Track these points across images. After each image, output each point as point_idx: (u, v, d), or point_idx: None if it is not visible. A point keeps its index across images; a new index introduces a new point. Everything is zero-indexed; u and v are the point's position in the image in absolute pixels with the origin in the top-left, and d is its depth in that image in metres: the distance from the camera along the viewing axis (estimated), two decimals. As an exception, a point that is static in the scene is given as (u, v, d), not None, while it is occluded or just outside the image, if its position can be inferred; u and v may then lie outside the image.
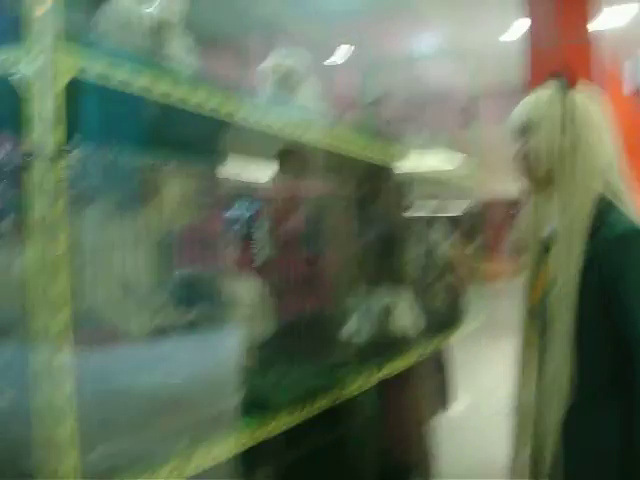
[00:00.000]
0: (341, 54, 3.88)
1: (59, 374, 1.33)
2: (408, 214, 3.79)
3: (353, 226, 3.70)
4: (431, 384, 3.45)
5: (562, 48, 4.27)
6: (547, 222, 1.75)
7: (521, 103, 1.74)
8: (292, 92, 2.53)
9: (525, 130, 1.70)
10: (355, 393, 2.58)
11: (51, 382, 1.33)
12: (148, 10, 1.83)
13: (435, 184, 4.70)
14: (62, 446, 1.32)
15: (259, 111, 2.06)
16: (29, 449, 1.33)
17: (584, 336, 1.58)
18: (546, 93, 1.71)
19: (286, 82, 2.57)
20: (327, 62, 3.87)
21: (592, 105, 1.68)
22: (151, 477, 1.52)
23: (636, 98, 6.06)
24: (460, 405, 3.97)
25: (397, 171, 3.77)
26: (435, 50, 4.81)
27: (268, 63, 2.67)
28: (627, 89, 5.81)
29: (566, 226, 1.61)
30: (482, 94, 5.07)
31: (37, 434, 1.33)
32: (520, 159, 1.74)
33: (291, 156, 3.01)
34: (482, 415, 4.86)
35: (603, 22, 4.40)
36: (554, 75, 1.71)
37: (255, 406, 1.91)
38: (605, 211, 1.60)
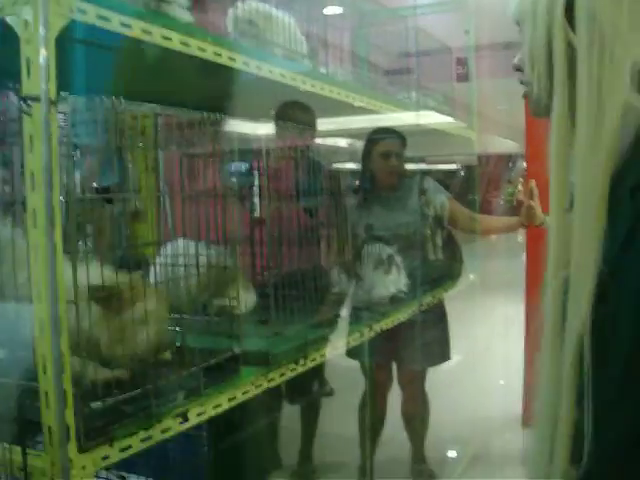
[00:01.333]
0: (338, 4, 3.81)
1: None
2: (405, 167, 3.78)
3: (349, 180, 3.69)
4: (433, 334, 3.48)
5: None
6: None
7: None
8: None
9: (520, 25, 1.15)
10: (350, 346, 2.61)
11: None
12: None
13: (432, 137, 4.67)
14: (58, 399, 1.32)
15: (259, 59, 2.02)
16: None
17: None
18: None
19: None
20: (325, 11, 3.78)
21: None
22: (150, 428, 1.53)
23: None
24: (453, 358, 4.01)
25: (393, 124, 3.76)
26: (432, 1, 4.75)
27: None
28: None
29: (580, 178, 1.02)
30: (480, 47, 5.00)
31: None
32: (517, 70, 1.20)
33: (289, 109, 2.99)
34: (475, 369, 4.90)
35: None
36: None
37: (256, 357, 1.92)
38: None
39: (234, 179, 2.88)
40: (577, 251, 1.02)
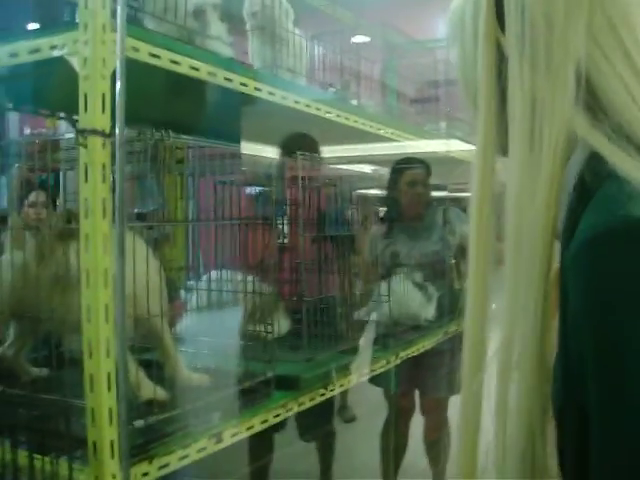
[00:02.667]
0: (366, 34, 3.90)
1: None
2: (430, 196, 3.83)
3: (374, 209, 3.76)
4: (456, 363, 3.49)
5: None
6: None
7: None
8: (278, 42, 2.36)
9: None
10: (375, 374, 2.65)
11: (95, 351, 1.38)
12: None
13: (458, 167, 4.71)
14: (103, 418, 1.38)
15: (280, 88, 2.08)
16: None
17: None
18: None
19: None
20: (353, 40, 3.87)
21: None
22: (187, 448, 1.59)
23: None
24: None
25: (418, 152, 3.82)
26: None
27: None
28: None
29: (512, 219, 0.77)
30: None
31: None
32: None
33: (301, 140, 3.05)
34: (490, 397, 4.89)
35: None
36: None
37: (287, 381, 1.97)
38: (594, 180, 0.70)
39: (263, 207, 2.96)
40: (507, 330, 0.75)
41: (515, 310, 0.75)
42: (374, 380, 3.33)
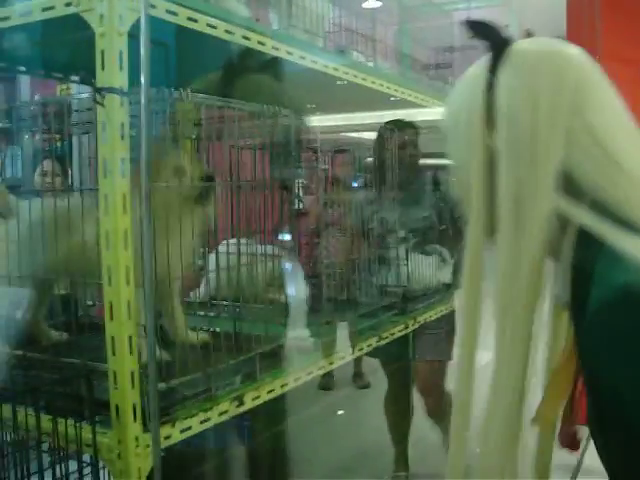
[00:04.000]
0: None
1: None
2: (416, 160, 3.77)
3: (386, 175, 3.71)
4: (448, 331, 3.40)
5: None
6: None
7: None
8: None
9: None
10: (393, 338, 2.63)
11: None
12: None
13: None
14: (125, 381, 1.37)
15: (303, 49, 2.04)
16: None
17: None
18: (471, 73, 1.00)
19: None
20: (365, 5, 3.81)
21: (543, 73, 0.93)
22: (208, 412, 1.58)
23: None
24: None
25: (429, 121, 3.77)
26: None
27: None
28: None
29: (499, 299, 0.94)
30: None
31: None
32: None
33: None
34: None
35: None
36: (475, 30, 0.99)
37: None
38: (589, 254, 0.84)
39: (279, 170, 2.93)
40: (495, 385, 0.95)
41: (502, 368, 0.93)
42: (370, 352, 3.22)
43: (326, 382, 5.01)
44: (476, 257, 0.98)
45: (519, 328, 0.91)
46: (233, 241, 2.10)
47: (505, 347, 0.92)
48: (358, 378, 5.28)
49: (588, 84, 0.93)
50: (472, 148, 0.96)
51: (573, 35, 4.17)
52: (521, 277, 0.90)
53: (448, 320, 3.20)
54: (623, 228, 0.83)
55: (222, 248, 2.08)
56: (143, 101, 1.33)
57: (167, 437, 1.46)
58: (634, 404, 0.77)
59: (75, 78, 2.13)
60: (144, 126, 1.33)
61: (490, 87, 0.94)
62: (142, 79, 1.33)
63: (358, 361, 5.05)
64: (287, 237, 2.31)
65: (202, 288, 2.28)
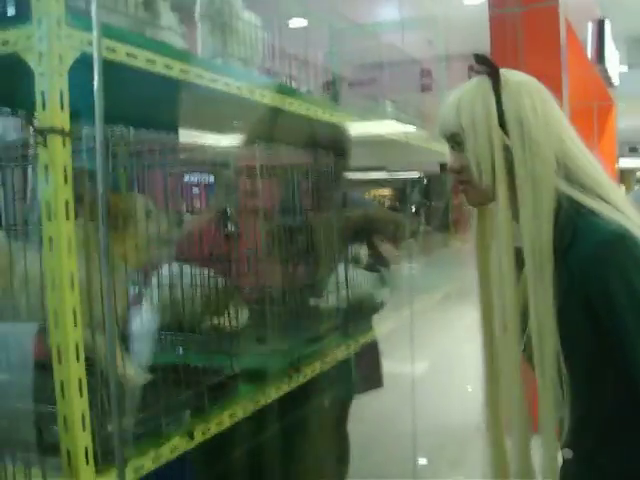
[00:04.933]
0: (309, 19, 3.89)
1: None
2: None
3: (320, 195, 3.72)
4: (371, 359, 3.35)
5: (525, 14, 4.32)
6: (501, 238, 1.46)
7: (447, 105, 1.46)
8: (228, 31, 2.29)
9: (458, 139, 1.43)
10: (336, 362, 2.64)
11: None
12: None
13: (394, 147, 4.74)
14: (76, 424, 1.35)
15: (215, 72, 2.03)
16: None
17: (578, 366, 1.36)
18: (474, 89, 1.43)
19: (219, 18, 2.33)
20: (292, 25, 3.85)
21: (531, 93, 1.41)
22: (160, 448, 1.56)
23: (596, 63, 6.17)
24: (422, 367, 4.10)
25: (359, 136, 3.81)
26: (400, 17, 4.84)
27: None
28: (590, 54, 5.91)
29: (529, 246, 1.36)
30: (447, 60, 5.11)
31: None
32: (457, 172, 1.47)
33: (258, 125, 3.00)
34: (442, 377, 4.98)
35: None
36: (481, 61, 1.43)
37: (252, 375, 1.96)
38: (574, 215, 1.35)
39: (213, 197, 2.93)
40: (534, 307, 1.39)
41: (536, 287, 1.38)
42: None
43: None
44: (507, 231, 1.42)
45: (547, 268, 1.35)
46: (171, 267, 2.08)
47: (533, 287, 1.36)
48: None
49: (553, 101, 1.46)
50: (494, 146, 1.38)
51: (498, 52, 4.32)
52: (543, 233, 1.35)
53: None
54: (596, 198, 1.36)
55: (162, 272, 2.06)
56: (99, 141, 1.32)
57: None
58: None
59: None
60: (100, 166, 1.32)
61: (498, 102, 1.39)
62: (96, 120, 1.32)
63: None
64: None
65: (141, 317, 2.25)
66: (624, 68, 9.03)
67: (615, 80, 7.34)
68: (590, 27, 6.34)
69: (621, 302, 1.27)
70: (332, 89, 3.61)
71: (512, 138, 1.37)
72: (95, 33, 1.32)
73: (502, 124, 1.38)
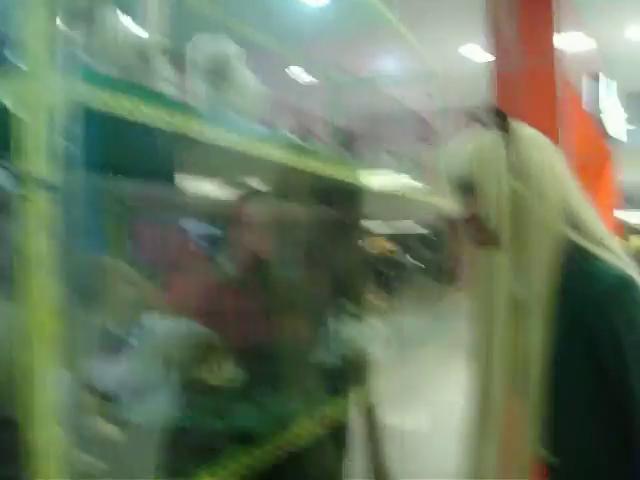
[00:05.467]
0: (309, 72, 3.90)
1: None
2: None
3: (319, 250, 3.68)
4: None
5: (527, 71, 4.34)
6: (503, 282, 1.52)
7: (456, 155, 1.55)
8: (226, 84, 2.27)
9: (468, 187, 1.51)
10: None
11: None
12: (134, 31, 1.81)
13: (400, 202, 4.72)
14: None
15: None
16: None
17: (573, 410, 1.44)
18: (487, 139, 1.52)
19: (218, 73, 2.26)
20: (288, 71, 3.86)
21: (539, 146, 1.52)
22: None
23: (594, 118, 6.21)
24: (422, 420, 4.00)
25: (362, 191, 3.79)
26: (401, 71, 4.85)
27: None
28: (586, 107, 5.94)
29: (532, 288, 1.46)
30: (449, 113, 5.12)
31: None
32: (467, 220, 1.54)
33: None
34: (442, 430, 4.88)
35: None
36: (492, 113, 1.53)
37: (241, 435, 1.89)
38: (578, 259, 1.44)
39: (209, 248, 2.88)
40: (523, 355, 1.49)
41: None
42: None
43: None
44: (505, 272, 1.51)
45: (546, 309, 1.43)
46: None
47: (533, 310, 1.45)
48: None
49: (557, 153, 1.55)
50: (503, 190, 1.46)
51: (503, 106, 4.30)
52: (545, 274, 1.44)
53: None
54: (599, 245, 1.44)
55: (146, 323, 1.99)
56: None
57: None
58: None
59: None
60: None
61: (508, 151, 1.48)
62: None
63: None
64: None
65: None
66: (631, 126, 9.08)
67: (616, 133, 7.36)
68: (585, 81, 6.40)
69: (625, 339, 1.34)
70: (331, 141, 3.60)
71: (521, 186, 1.46)
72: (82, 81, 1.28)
73: (512, 172, 1.47)
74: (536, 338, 1.43)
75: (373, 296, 3.71)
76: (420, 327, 4.15)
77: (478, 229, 1.52)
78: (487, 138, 1.51)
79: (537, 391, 1.43)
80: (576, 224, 1.46)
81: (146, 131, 1.70)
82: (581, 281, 1.41)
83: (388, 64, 4.93)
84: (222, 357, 2.26)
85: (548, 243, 1.43)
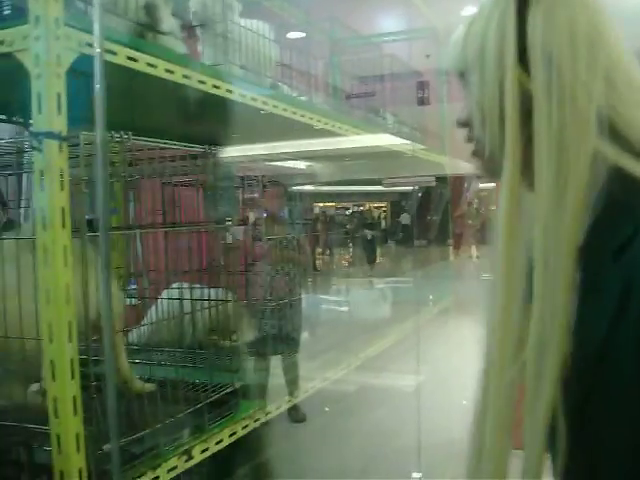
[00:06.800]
0: (312, 29, 3.84)
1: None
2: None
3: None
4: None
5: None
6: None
7: (458, 32, 0.98)
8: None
9: (465, 76, 0.97)
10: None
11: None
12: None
13: (391, 159, 4.70)
14: (70, 445, 1.28)
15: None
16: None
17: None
18: (492, 7, 0.91)
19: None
20: (290, 35, 3.81)
21: (574, 12, 0.88)
22: (157, 469, 1.49)
23: None
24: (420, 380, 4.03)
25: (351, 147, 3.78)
26: (402, 28, 4.80)
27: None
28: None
29: (541, 242, 0.87)
30: (448, 75, 5.07)
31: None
32: (463, 125, 1.00)
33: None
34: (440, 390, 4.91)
35: None
36: None
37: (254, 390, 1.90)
38: (631, 198, 0.83)
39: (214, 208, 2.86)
40: (537, 336, 0.85)
41: (545, 314, 0.85)
42: None
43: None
44: (514, 212, 0.91)
45: (563, 278, 0.84)
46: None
47: (547, 298, 0.85)
48: (294, 411, 5.19)
49: (610, 20, 0.90)
50: (505, 91, 0.89)
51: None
52: (565, 224, 0.85)
53: None
54: None
55: (170, 292, 2.00)
56: (100, 146, 1.25)
57: (115, 501, 1.37)
58: None
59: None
60: (100, 171, 1.25)
61: (521, 25, 0.87)
62: (97, 123, 1.25)
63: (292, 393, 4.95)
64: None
65: (140, 330, 2.18)
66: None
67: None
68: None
69: None
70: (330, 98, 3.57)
71: (536, 80, 0.87)
72: (96, 32, 1.25)
73: (523, 59, 0.88)
74: (546, 322, 0.85)
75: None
76: (414, 287, 4.17)
77: (470, 140, 0.98)
78: (493, 4, 0.91)
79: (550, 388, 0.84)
80: (625, 138, 0.87)
81: (157, 86, 1.68)
82: (638, 234, 0.80)
83: (390, 22, 4.88)
84: (243, 320, 2.26)
85: (570, 170, 0.85)
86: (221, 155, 2.94)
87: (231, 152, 3.02)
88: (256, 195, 2.93)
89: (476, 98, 0.93)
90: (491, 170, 0.97)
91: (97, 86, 1.25)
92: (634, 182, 0.82)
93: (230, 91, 1.91)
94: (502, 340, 0.91)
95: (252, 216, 3.04)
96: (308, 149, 4.02)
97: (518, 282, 0.91)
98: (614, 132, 0.85)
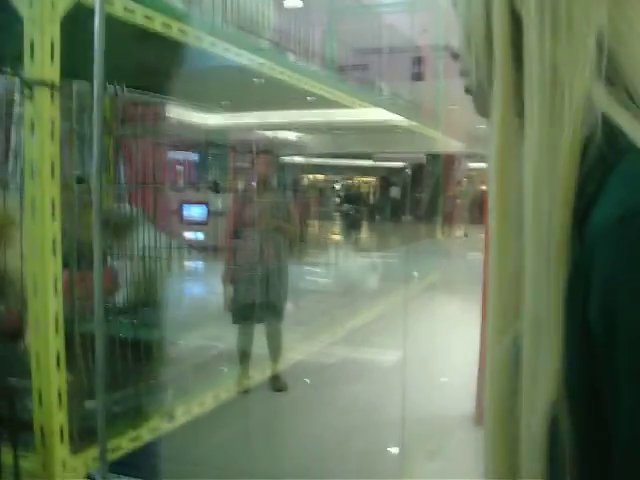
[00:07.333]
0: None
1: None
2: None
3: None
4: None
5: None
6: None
7: None
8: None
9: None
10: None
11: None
12: None
13: (383, 134, 4.67)
14: (51, 400, 1.26)
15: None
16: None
17: None
18: None
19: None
20: (287, 4, 3.76)
21: None
22: (138, 429, 1.48)
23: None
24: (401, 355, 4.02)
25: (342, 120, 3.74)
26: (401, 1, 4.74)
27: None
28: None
29: (532, 196, 0.60)
30: (446, 50, 5.03)
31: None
32: (455, 54, 0.67)
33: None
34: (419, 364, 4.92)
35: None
36: None
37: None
38: (609, 152, 0.55)
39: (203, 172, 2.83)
40: (532, 296, 0.65)
41: (538, 271, 0.72)
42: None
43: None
44: (507, 159, 0.72)
45: (558, 232, 0.67)
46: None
47: (541, 256, 0.67)
48: (275, 380, 5.18)
49: None
50: (492, 16, 0.72)
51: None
52: (559, 170, 0.69)
53: None
54: None
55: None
56: (96, 96, 1.22)
57: (95, 458, 1.36)
58: None
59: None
60: (97, 122, 1.22)
61: None
62: (95, 72, 1.21)
63: (276, 362, 4.95)
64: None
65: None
66: None
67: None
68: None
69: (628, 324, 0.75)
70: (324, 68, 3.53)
71: (526, 6, 0.59)
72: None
73: None
74: (541, 290, 0.73)
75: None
76: (400, 262, 4.15)
77: (462, 74, 0.84)
78: None
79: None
80: (621, 80, 0.57)
81: (155, 42, 1.64)
82: (605, 193, 0.53)
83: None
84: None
85: (564, 113, 0.51)
86: (214, 122, 2.92)
87: (225, 119, 3.00)
88: (247, 163, 2.91)
89: (462, 20, 0.76)
90: (482, 105, 0.80)
91: (97, 26, 1.20)
92: (620, 134, 0.65)
93: (228, 50, 1.87)
94: (499, 287, 0.80)
95: (241, 184, 3.02)
96: (299, 120, 3.99)
97: (513, 217, 0.79)
98: (614, 71, 0.66)
